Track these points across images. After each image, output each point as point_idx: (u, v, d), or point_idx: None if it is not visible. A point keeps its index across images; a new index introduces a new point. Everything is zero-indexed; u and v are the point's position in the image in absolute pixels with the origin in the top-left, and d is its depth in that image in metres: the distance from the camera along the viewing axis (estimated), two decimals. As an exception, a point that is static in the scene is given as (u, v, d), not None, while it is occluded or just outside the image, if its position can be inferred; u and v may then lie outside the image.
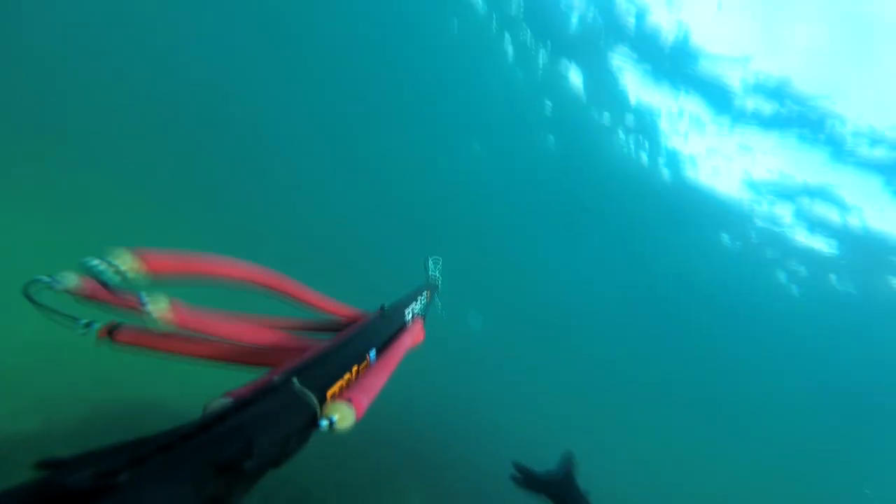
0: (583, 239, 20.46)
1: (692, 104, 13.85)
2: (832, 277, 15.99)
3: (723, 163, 14.91)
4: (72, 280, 1.09)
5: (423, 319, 2.16)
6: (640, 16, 12.31)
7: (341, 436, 1.04)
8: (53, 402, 6.58)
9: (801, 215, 14.93)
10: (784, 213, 15.16)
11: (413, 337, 1.81)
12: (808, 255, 15.81)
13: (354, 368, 1.26)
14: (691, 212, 16.66)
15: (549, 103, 15.61)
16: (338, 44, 16.18)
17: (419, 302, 2.25)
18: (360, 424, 1.07)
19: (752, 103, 13.22)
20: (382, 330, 1.64)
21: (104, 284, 1.07)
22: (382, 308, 1.86)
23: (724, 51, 12.50)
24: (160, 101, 18.63)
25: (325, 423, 0.97)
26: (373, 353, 1.41)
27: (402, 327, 1.81)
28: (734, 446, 25.19)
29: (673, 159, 15.43)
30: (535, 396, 25.82)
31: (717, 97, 13.45)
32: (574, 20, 12.81)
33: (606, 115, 15.04)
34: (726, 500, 20.16)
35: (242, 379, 1.15)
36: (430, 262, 3.38)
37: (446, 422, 13.16)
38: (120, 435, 0.67)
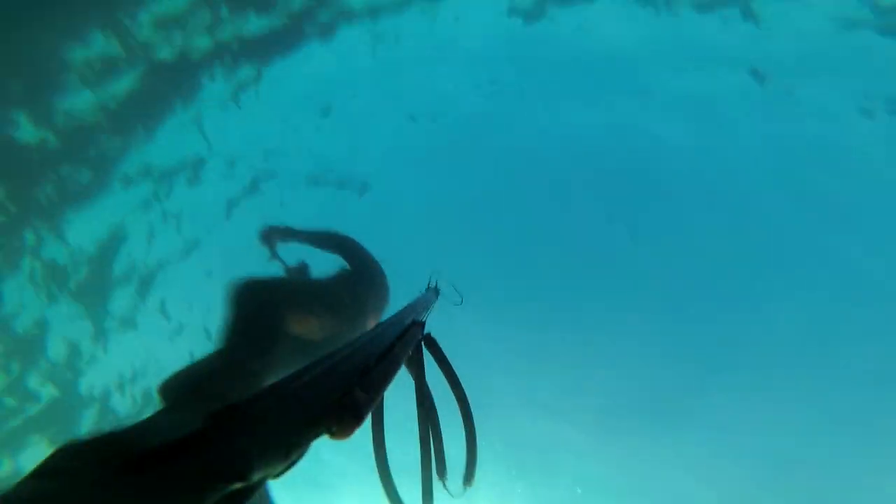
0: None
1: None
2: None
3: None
4: None
5: (423, 325, 2.17)
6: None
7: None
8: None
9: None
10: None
11: (412, 342, 1.83)
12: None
13: (355, 376, 1.26)
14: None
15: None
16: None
17: (420, 310, 2.26)
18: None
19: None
20: (383, 337, 1.65)
21: None
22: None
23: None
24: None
25: (325, 431, 0.96)
26: (373, 360, 1.42)
27: (402, 334, 1.82)
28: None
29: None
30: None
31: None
32: None
33: None
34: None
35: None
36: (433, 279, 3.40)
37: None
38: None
